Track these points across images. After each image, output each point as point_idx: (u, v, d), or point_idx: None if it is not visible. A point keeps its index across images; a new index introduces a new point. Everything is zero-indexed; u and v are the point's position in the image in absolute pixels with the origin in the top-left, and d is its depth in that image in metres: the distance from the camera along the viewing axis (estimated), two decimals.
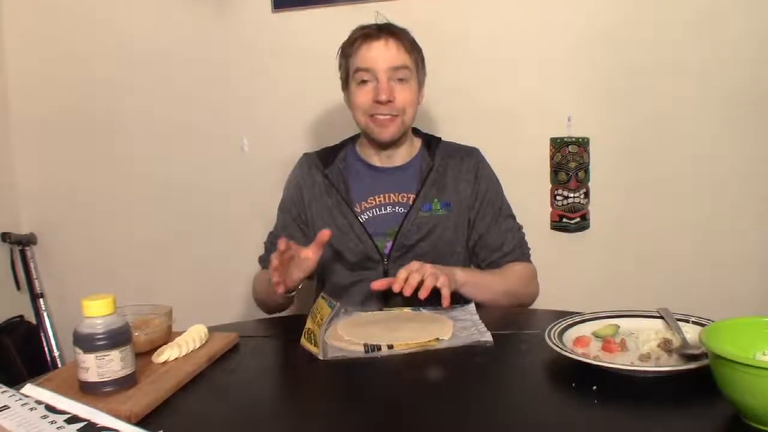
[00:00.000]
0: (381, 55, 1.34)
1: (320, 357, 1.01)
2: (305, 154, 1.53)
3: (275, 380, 1.02)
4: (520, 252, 1.44)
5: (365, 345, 1.03)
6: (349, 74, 1.39)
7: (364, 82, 1.36)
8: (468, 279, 1.27)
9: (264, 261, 1.45)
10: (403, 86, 1.36)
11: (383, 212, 1.42)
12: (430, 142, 1.49)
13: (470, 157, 1.47)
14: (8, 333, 2.18)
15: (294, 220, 1.46)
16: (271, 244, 1.46)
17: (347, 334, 1.08)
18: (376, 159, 1.46)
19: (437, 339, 1.05)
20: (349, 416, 0.83)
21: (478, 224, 1.43)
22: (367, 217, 1.41)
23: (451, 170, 1.44)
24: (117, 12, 2.16)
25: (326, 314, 1.07)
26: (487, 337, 1.04)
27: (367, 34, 1.36)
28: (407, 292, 1.13)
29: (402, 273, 1.16)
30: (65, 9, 2.19)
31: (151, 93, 2.16)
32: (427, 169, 1.43)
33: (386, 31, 1.36)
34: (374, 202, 1.43)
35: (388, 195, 1.43)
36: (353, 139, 1.51)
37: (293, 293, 1.26)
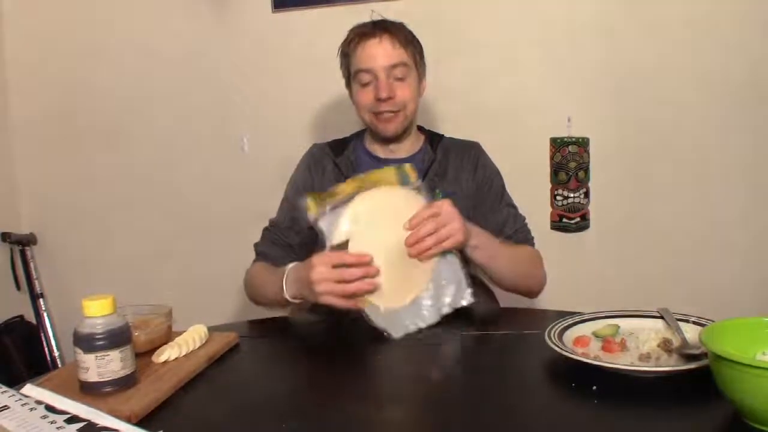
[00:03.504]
0: (378, 53, 1.36)
1: (311, 218, 1.06)
2: (315, 144, 1.54)
3: (275, 380, 1.02)
4: (524, 237, 1.42)
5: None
6: (350, 74, 1.42)
7: (365, 83, 1.38)
8: (481, 242, 1.22)
9: (263, 254, 1.43)
10: (402, 83, 1.38)
11: None
12: (433, 138, 1.52)
13: (471, 149, 1.50)
14: (8, 333, 2.18)
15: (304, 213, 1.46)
16: (271, 233, 1.45)
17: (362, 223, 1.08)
18: (381, 152, 1.48)
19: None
20: (349, 417, 0.83)
21: (477, 212, 1.43)
22: None
23: (453, 162, 1.46)
24: (117, 12, 2.16)
25: (384, 181, 1.11)
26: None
27: (362, 33, 1.38)
28: (413, 254, 1.12)
29: (415, 220, 1.12)
30: (65, 9, 2.19)
31: (151, 93, 2.17)
32: (430, 162, 1.46)
33: (381, 27, 1.37)
34: None
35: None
36: (361, 133, 1.53)
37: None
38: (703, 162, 1.84)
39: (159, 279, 2.17)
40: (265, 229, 1.47)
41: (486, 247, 1.23)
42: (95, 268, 2.27)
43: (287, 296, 1.19)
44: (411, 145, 1.49)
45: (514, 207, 1.48)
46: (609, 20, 1.85)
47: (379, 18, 1.42)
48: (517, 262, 1.33)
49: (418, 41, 1.43)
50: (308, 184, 1.47)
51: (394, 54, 1.36)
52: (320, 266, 1.09)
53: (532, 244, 1.44)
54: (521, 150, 1.90)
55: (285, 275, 1.20)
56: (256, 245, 1.46)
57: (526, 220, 1.47)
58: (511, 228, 1.41)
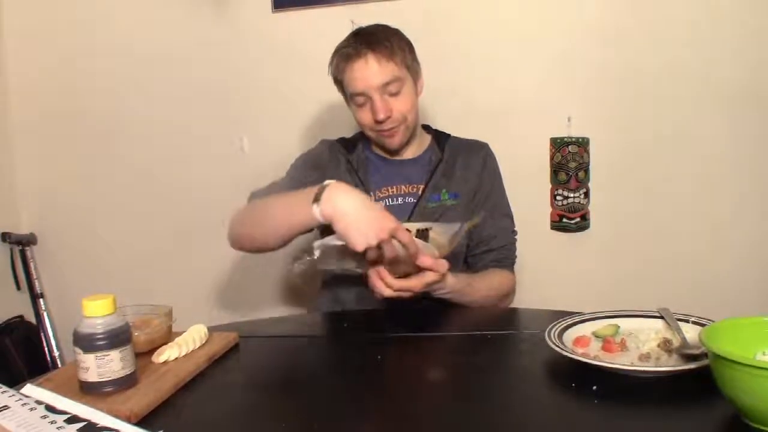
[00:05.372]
0: (366, 75, 1.33)
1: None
2: (325, 139, 1.54)
3: (275, 380, 1.02)
4: (505, 256, 1.44)
5: None
6: (346, 94, 1.41)
7: (361, 104, 1.37)
8: (454, 292, 1.26)
9: (259, 196, 1.39)
10: (398, 97, 1.36)
11: (394, 203, 1.44)
12: (440, 138, 1.52)
13: (480, 150, 1.50)
14: (8, 333, 2.18)
15: (313, 181, 1.44)
16: (275, 187, 1.41)
17: None
18: (389, 154, 1.49)
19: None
20: (349, 417, 0.84)
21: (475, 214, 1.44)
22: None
23: (461, 162, 1.47)
24: (117, 12, 2.16)
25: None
26: None
27: (346, 54, 1.35)
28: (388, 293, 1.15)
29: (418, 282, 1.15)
30: (65, 9, 2.19)
31: (151, 93, 2.16)
32: (437, 161, 1.46)
33: (363, 44, 1.33)
34: (387, 193, 1.45)
35: (400, 186, 1.45)
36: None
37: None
38: (703, 162, 1.84)
39: (159, 279, 2.17)
40: (268, 186, 1.43)
41: (454, 294, 1.26)
42: (95, 268, 2.27)
43: (317, 211, 1.10)
44: (417, 146, 1.49)
45: (510, 218, 1.48)
46: (610, 20, 1.85)
47: (357, 27, 1.39)
48: (483, 297, 1.33)
49: (405, 42, 1.39)
50: (323, 163, 1.45)
51: (383, 72, 1.32)
52: (402, 231, 1.09)
53: (511, 265, 1.45)
54: (521, 150, 1.90)
55: (323, 187, 1.11)
56: (252, 194, 1.42)
57: (517, 236, 1.48)
58: (498, 243, 1.43)
